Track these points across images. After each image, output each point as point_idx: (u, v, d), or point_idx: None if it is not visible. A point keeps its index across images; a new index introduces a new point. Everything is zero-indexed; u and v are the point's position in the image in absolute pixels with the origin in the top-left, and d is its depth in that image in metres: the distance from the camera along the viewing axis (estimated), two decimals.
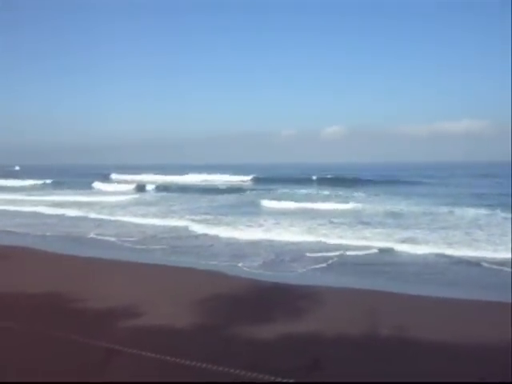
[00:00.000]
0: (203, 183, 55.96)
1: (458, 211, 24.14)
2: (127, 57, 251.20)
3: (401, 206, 27.25)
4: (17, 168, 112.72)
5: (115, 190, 46.51)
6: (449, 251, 14.46)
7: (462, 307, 9.15)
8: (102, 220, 23.67)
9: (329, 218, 22.50)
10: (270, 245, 16.36)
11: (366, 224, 20.46)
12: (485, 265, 12.83)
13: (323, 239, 16.81)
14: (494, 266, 12.66)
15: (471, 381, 5.69)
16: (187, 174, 68.81)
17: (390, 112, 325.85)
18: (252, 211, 26.55)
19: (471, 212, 23.69)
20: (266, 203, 29.77)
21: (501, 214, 22.43)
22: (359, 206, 27.53)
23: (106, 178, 66.01)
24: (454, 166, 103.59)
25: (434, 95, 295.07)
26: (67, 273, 11.75)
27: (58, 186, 53.71)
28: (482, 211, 23.81)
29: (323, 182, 53.44)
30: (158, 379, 5.74)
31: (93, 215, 25.43)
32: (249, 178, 61.24)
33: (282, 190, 41.68)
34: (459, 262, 13.45)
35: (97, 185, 53.10)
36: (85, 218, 24.59)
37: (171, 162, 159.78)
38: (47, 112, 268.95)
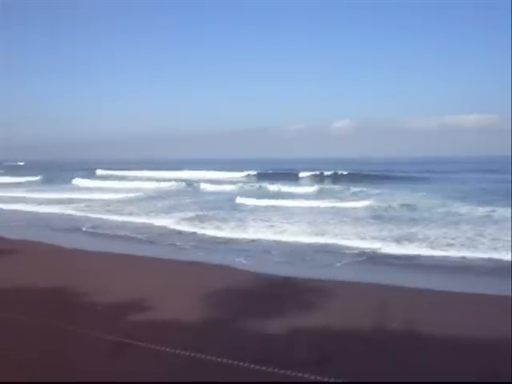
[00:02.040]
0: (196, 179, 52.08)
1: (465, 208, 23.48)
2: (124, 53, 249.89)
3: (405, 201, 26.40)
4: (21, 163, 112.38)
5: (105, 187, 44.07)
6: (454, 247, 14.28)
7: (469, 301, 9.10)
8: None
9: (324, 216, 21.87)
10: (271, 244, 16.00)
11: (361, 222, 19.99)
12: (490, 260, 12.74)
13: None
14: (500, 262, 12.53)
15: (478, 374, 5.65)
16: (182, 169, 66.19)
17: (399, 106, 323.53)
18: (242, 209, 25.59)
19: (478, 208, 22.96)
20: (252, 201, 28.09)
21: (506, 211, 21.63)
22: (356, 203, 26.62)
23: (96, 174, 64.88)
24: (463, 161, 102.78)
25: (444, 89, 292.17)
26: (75, 267, 11.80)
27: (57, 181, 51.60)
28: (490, 207, 22.97)
29: (324, 178, 52.01)
30: (168, 373, 5.73)
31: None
32: (245, 173, 58.98)
33: (281, 186, 39.95)
34: (465, 257, 13.27)
35: (77, 181, 50.22)
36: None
37: (175, 158, 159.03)
38: (47, 109, 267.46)
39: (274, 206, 26.32)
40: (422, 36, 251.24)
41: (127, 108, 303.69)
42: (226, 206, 26.47)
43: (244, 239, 16.59)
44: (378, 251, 14.21)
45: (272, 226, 19.27)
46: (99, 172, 69.24)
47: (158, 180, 50.63)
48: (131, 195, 34.71)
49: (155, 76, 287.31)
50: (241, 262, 12.94)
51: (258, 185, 42.55)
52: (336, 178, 50.15)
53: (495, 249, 13.88)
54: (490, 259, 12.92)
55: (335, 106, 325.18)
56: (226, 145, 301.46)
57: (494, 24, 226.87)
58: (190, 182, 46.18)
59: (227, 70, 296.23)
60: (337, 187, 38.65)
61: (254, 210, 24.81)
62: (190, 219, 21.12)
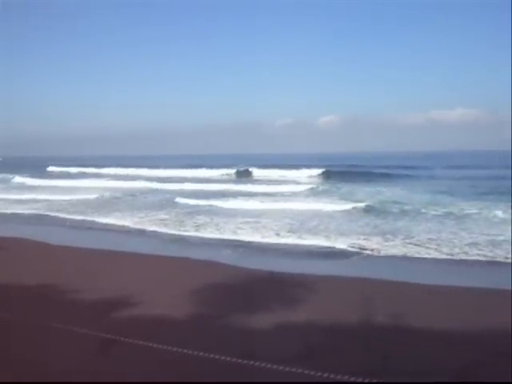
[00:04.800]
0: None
1: (453, 204, 23.36)
2: (112, 47, 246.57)
3: (391, 198, 26.30)
4: None
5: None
6: (435, 242, 14.43)
7: (457, 295, 9.22)
8: None
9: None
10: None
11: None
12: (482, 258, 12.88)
13: None
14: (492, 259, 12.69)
15: (465, 366, 5.75)
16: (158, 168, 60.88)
17: (385, 101, 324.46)
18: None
19: (465, 204, 22.96)
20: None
21: (494, 208, 21.39)
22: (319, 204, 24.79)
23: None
24: (448, 156, 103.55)
25: (428, 83, 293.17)
26: (61, 263, 11.75)
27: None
28: (475, 203, 23.04)
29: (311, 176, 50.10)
30: (155, 368, 5.76)
31: None
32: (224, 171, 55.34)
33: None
34: (448, 252, 13.42)
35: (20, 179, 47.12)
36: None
37: (153, 155, 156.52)
38: (32, 102, 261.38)
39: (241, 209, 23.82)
40: (408, 31, 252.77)
41: (112, 104, 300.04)
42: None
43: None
44: (362, 248, 14.18)
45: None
46: (51, 169, 66.48)
47: (127, 179, 46.08)
48: (90, 196, 30.51)
49: (138, 73, 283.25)
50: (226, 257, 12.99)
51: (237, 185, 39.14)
52: (322, 176, 49.58)
53: (475, 243, 14.19)
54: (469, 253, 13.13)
55: (321, 101, 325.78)
56: (208, 141, 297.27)
57: (479, 18, 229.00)
58: (148, 181, 41.46)
59: (210, 65, 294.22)
60: (324, 185, 38.23)
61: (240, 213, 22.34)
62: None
